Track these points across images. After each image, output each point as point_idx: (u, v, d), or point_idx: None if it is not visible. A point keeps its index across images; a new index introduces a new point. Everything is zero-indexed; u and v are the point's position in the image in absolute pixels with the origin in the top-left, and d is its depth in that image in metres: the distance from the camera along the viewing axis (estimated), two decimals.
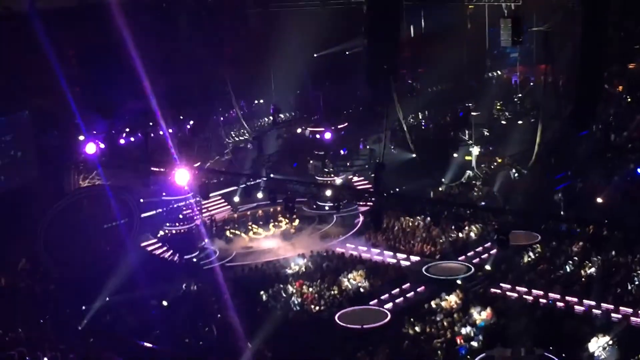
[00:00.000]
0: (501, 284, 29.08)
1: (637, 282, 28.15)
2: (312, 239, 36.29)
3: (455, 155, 40.99)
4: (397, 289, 29.68)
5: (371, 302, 28.79)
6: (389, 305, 28.54)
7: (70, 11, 32.55)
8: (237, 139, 44.34)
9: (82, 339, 26.17)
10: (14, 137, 32.14)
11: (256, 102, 46.62)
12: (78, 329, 27.01)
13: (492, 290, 28.82)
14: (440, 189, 39.12)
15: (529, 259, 31.27)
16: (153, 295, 28.93)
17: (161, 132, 37.82)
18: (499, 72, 46.92)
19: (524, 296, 28.23)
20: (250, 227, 37.54)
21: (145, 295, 28.78)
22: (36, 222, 31.80)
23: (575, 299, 27.33)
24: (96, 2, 32.54)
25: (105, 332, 26.68)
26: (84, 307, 28.14)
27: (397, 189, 37.27)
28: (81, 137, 35.17)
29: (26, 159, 32.62)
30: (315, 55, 43.03)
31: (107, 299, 28.78)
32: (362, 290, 29.89)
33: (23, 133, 32.53)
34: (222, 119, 44.94)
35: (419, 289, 29.85)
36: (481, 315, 26.30)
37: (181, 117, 41.57)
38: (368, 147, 44.09)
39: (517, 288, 28.65)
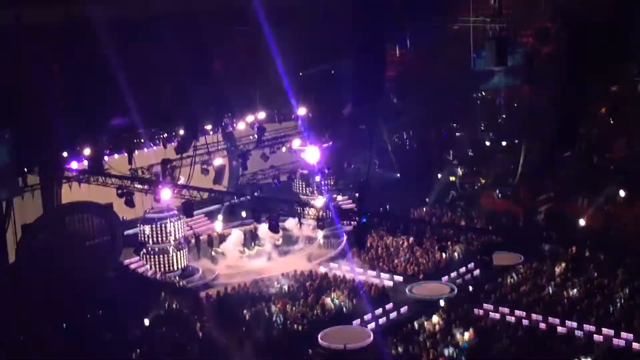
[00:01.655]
0: (484, 305, 29.10)
1: (618, 304, 28.26)
2: (296, 258, 36.21)
3: (439, 175, 41.07)
4: (380, 309, 29.61)
5: (354, 322, 28.71)
6: (372, 325, 28.47)
7: (55, 27, 32.46)
8: (222, 156, 44.20)
9: (62, 357, 25.94)
10: None
11: (240, 119, 46.55)
12: (58, 346, 26.75)
13: (475, 310, 28.82)
14: (424, 209, 39.21)
15: (512, 280, 31.33)
16: (134, 314, 28.74)
17: (145, 150, 37.73)
18: (483, 93, 47.10)
19: (507, 317, 28.25)
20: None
21: (127, 313, 28.58)
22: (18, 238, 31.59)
23: (557, 320, 27.39)
24: (82, 18, 32.48)
25: (86, 350, 26.43)
26: (64, 325, 27.91)
27: (382, 209, 37.28)
28: (64, 154, 35.05)
29: (8, 175, 32.38)
30: (300, 73, 43.10)
31: (88, 316, 28.57)
32: (345, 310, 29.82)
33: (5, 149, 32.32)
34: (206, 136, 44.86)
35: (402, 309, 29.81)
36: (464, 336, 26.28)
37: (165, 135, 41.46)
38: (352, 166, 44.09)
39: (500, 309, 28.68)
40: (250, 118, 42.33)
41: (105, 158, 37.40)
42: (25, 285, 31.30)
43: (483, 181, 40.75)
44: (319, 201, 38.63)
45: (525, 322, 27.79)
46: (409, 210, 38.57)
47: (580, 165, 37.07)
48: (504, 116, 45.84)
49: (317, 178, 40.05)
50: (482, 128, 44.91)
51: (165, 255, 35.54)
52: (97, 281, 30.10)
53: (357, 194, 40.65)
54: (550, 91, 38.51)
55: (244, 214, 37.13)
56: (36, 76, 31.34)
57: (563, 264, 31.49)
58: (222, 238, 38.12)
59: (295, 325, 28.54)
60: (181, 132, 41.36)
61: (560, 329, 27.08)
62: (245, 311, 29.47)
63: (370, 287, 31.88)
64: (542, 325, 27.46)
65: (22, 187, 33.06)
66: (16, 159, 32.29)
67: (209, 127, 43.17)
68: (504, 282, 31.19)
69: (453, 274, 32.67)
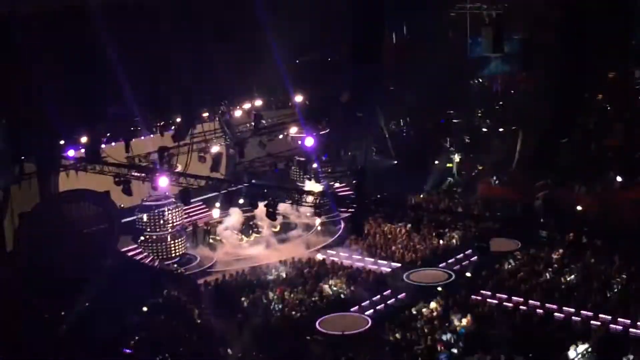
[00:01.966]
0: (481, 291, 29.17)
1: (615, 290, 28.36)
2: (294, 246, 36.25)
3: (436, 162, 41.10)
4: (378, 296, 29.68)
5: (352, 309, 28.78)
6: (370, 311, 28.55)
7: (51, 15, 32.33)
8: (218, 144, 44.13)
9: (61, 345, 25.97)
10: None
11: (237, 107, 46.47)
12: (56, 335, 26.78)
13: (473, 297, 28.89)
14: (421, 195, 39.22)
15: (509, 266, 31.42)
16: (132, 301, 28.76)
17: (142, 137, 37.65)
18: (480, 80, 47.06)
19: (504, 303, 28.34)
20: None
21: (125, 301, 28.60)
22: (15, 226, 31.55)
23: (554, 306, 27.49)
24: (78, 6, 32.36)
25: (84, 338, 26.46)
26: (62, 313, 27.93)
27: (379, 196, 37.30)
28: (61, 142, 34.97)
29: (4, 163, 32.31)
30: (297, 61, 43.01)
31: (86, 304, 28.59)
32: (343, 296, 29.89)
33: (0, 136, 32.22)
34: (203, 124, 44.78)
35: (399, 296, 29.89)
36: (461, 322, 26.35)
37: (162, 123, 41.38)
38: (349, 153, 44.08)
39: (498, 295, 28.77)
40: (247, 105, 42.25)
41: (102, 146, 37.40)
42: (23, 272, 31.33)
43: (480, 168, 40.76)
44: (317, 188, 38.62)
45: (522, 308, 27.88)
46: (407, 197, 38.57)
47: (577, 152, 37.10)
48: (501, 103, 45.87)
49: (314, 165, 40.03)
50: (479, 115, 44.95)
51: (163, 243, 35.57)
52: (94, 269, 30.07)
53: (354, 181, 40.71)
54: (547, 78, 38.55)
55: (241, 201, 37.09)
56: (32, 63, 31.26)
57: (560, 250, 31.55)
58: (219, 224, 38.13)
59: (294, 312, 28.61)
60: (178, 120, 41.43)
61: (557, 314, 27.18)
62: (243, 298, 29.54)
63: (368, 273, 31.95)
64: (540, 311, 27.55)
65: (19, 175, 33.01)
66: (12, 146, 32.23)
67: (205, 114, 43.15)
68: (501, 269, 31.27)
69: (451, 261, 32.75)
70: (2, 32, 30.47)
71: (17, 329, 26.77)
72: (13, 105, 31.79)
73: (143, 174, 31.75)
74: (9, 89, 31.33)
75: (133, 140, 36.56)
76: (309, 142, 39.18)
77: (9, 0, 30.16)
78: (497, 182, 38.70)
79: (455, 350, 24.88)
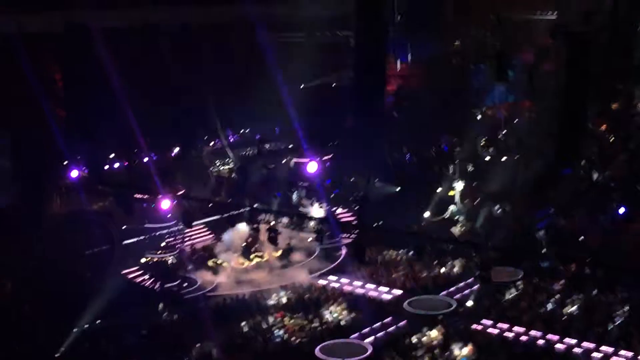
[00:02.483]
0: (483, 321, 29.02)
1: (618, 322, 28.20)
2: (295, 271, 36.14)
3: (438, 190, 41.06)
4: (379, 323, 29.53)
5: (352, 336, 28.62)
6: (370, 339, 28.36)
7: (56, 36, 32.59)
8: (221, 168, 44.24)
9: None
10: None
11: (241, 131, 46.65)
12: (55, 357, 26.69)
13: (474, 326, 28.74)
14: (423, 223, 39.14)
15: (511, 296, 31.27)
16: (132, 323, 28.66)
17: (145, 159, 37.75)
18: (484, 108, 47.17)
19: (505, 333, 28.17)
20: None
21: (125, 323, 28.51)
22: (17, 246, 31.50)
23: (556, 337, 27.31)
24: (82, 28, 32.63)
25: (83, 358, 26.39)
26: (62, 334, 27.82)
27: (381, 222, 37.24)
28: (65, 162, 35.07)
29: (6, 183, 32.39)
30: (302, 86, 43.24)
31: (86, 326, 28.50)
32: (343, 323, 29.75)
33: (4, 156, 32.35)
34: (206, 147, 44.97)
35: (400, 324, 29.72)
36: (462, 352, 26.20)
37: (165, 145, 41.55)
38: (352, 179, 44.09)
39: (499, 325, 28.61)
40: (250, 130, 42.44)
41: (105, 167, 37.52)
42: (23, 293, 31.27)
43: (483, 196, 40.69)
44: (319, 214, 38.60)
45: (523, 338, 27.70)
46: (408, 224, 38.48)
47: (580, 182, 37.06)
48: (504, 131, 45.94)
49: (317, 190, 40.03)
50: (482, 143, 44.96)
51: (164, 266, 35.49)
52: (96, 290, 30.00)
53: (356, 207, 40.68)
54: (550, 108, 38.62)
55: (243, 225, 37.03)
56: (36, 85, 31.44)
57: (562, 281, 31.43)
58: (220, 248, 38.05)
59: (293, 338, 28.46)
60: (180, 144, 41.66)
61: (559, 345, 27.00)
62: (243, 323, 29.40)
63: (369, 300, 31.82)
64: (541, 342, 27.38)
65: (22, 195, 33.06)
66: (15, 166, 32.34)
67: (207, 138, 43.40)
68: (502, 298, 31.12)
69: (452, 289, 32.59)
70: (7, 52, 30.71)
71: (14, 351, 26.71)
72: (17, 124, 31.94)
73: (146, 196, 31.80)
74: (13, 109, 31.50)
75: (136, 161, 36.71)
76: (312, 167, 39.23)
77: (15, 20, 30.43)
78: (499, 211, 38.58)
79: None
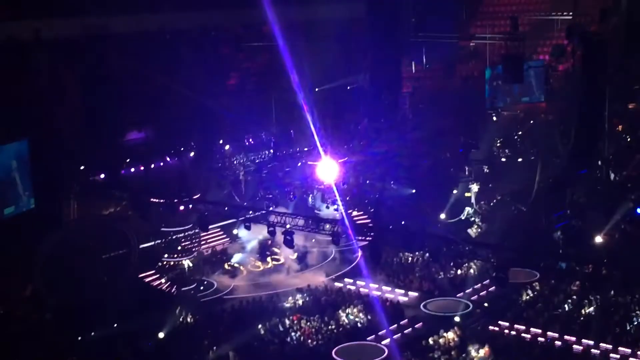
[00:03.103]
0: (499, 322, 28.96)
1: (635, 322, 28.07)
2: (311, 273, 36.19)
3: (454, 191, 40.97)
4: (395, 325, 29.52)
5: (369, 338, 28.64)
6: (387, 341, 28.39)
7: (73, 41, 32.75)
8: (237, 171, 44.29)
9: None
10: (16, 165, 32.07)
11: (257, 134, 46.69)
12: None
13: (491, 327, 28.69)
14: (439, 225, 39.09)
15: (528, 297, 31.19)
16: (149, 327, 28.79)
17: (162, 163, 37.86)
18: (499, 110, 47.02)
19: (522, 334, 28.12)
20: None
21: (141, 327, 28.63)
22: (34, 250, 31.68)
23: (573, 338, 27.24)
24: (100, 33, 32.79)
25: None
26: (79, 338, 27.99)
27: (397, 225, 37.19)
28: (82, 167, 35.24)
29: (25, 187, 32.57)
30: (317, 89, 43.22)
31: (103, 329, 28.64)
32: (359, 325, 29.75)
33: (23, 161, 32.53)
34: (222, 151, 45.02)
35: (416, 325, 29.72)
36: (479, 353, 26.18)
37: (182, 149, 41.63)
38: (368, 181, 44.06)
39: (516, 326, 28.55)
40: (266, 133, 42.46)
41: (122, 171, 37.65)
42: (41, 298, 31.46)
43: (499, 197, 40.58)
44: (334, 216, 38.59)
45: (541, 339, 27.64)
46: (424, 226, 38.40)
47: (597, 183, 36.84)
48: (520, 133, 45.77)
49: (333, 193, 40.01)
50: (498, 144, 44.82)
51: (181, 269, 35.63)
52: (112, 294, 30.15)
53: (372, 210, 40.63)
54: (566, 109, 38.43)
55: (258, 227, 37.07)
56: (54, 90, 31.64)
57: (579, 282, 31.29)
58: (237, 251, 38.14)
59: (310, 341, 28.50)
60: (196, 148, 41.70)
61: (576, 347, 26.91)
62: (259, 325, 29.47)
63: (385, 302, 31.82)
64: (558, 343, 27.30)
65: (39, 199, 33.23)
66: (33, 171, 32.52)
67: (223, 142, 43.42)
68: (519, 299, 31.03)
69: (468, 290, 32.55)
70: (25, 57, 30.90)
71: (33, 355, 26.89)
72: (34, 130, 32.13)
73: (162, 200, 31.91)
74: (30, 114, 31.69)
75: (153, 165, 36.84)
76: (328, 170, 39.25)
77: (31, 26, 30.65)
78: (516, 212, 38.47)
79: None
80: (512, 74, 32.13)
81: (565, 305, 29.93)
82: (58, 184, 34.54)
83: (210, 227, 34.21)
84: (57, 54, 32.37)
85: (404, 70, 45.25)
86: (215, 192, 40.41)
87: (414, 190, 42.09)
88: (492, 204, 40.44)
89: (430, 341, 27.62)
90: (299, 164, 44.02)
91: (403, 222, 38.49)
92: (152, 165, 37.42)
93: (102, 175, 35.07)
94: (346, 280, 34.92)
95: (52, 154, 33.87)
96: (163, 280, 35.22)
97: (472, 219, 39.54)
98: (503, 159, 43.64)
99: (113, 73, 33.05)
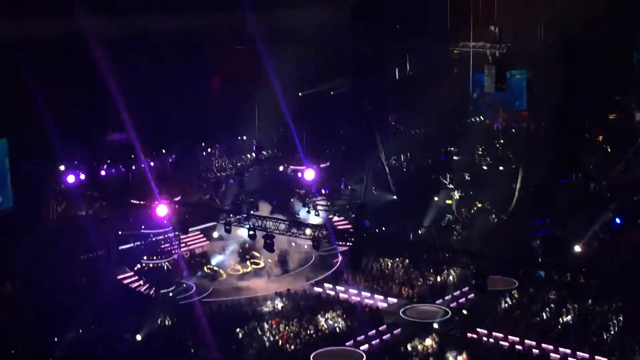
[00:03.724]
0: (478, 329, 28.99)
1: (612, 332, 28.18)
2: (291, 278, 36.13)
3: (436, 198, 41.09)
4: (374, 330, 29.50)
5: (347, 343, 28.59)
6: (365, 346, 28.35)
7: (55, 42, 32.61)
8: (218, 174, 44.26)
9: None
10: None
11: (239, 138, 46.68)
12: None
13: (469, 334, 28.72)
14: (419, 232, 39.16)
15: (506, 305, 31.25)
16: (127, 329, 28.61)
17: (142, 165, 37.73)
18: (482, 118, 47.31)
19: (500, 342, 28.15)
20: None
21: (119, 329, 28.46)
22: (12, 250, 31.46)
23: (551, 347, 27.29)
24: (82, 33, 32.66)
25: None
26: (56, 339, 27.78)
27: (378, 230, 37.26)
28: (62, 167, 35.07)
29: (3, 187, 32.39)
30: (300, 94, 43.28)
31: (80, 331, 28.46)
32: (338, 330, 29.72)
33: (1, 160, 32.37)
34: (204, 153, 44.99)
35: (395, 331, 29.71)
36: None
37: (163, 151, 41.54)
38: (349, 187, 44.15)
39: (494, 333, 28.58)
40: (248, 137, 42.45)
41: (102, 172, 37.50)
42: (18, 298, 31.22)
43: (479, 205, 40.74)
44: (316, 221, 38.60)
45: (518, 347, 27.68)
46: (405, 233, 38.51)
47: (577, 192, 37.08)
48: (502, 141, 46.05)
49: (314, 198, 40.08)
50: (480, 152, 45.07)
51: (160, 270, 35.47)
52: (91, 295, 29.95)
53: (353, 215, 40.68)
54: (548, 118, 38.69)
55: (239, 231, 37.01)
56: (35, 89, 31.47)
57: (557, 291, 31.40)
58: (216, 254, 38.01)
59: (288, 345, 28.43)
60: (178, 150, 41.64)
61: (553, 355, 26.98)
62: (238, 329, 29.35)
63: (365, 308, 31.80)
64: (536, 351, 27.36)
65: (16, 200, 33.04)
66: (13, 170, 32.34)
67: (205, 145, 43.38)
68: (498, 307, 31.10)
69: (447, 297, 32.59)
70: (6, 57, 30.73)
71: (10, 355, 26.67)
72: (15, 129, 31.95)
73: (142, 202, 31.79)
74: (11, 114, 31.50)
75: (133, 167, 36.69)
76: (310, 175, 39.27)
77: (13, 26, 30.48)
78: (496, 220, 38.63)
79: None
80: (495, 82, 32.22)
81: (544, 314, 30.01)
82: (37, 184, 34.37)
83: (190, 229, 34.16)
84: (39, 54, 32.21)
85: (387, 76, 45.46)
86: (196, 194, 40.42)
87: (395, 197, 42.24)
88: (472, 211, 40.58)
89: (409, 347, 27.59)
90: (281, 168, 44.08)
91: (384, 228, 38.59)
92: (133, 167, 37.28)
93: (82, 176, 34.85)
94: (326, 285, 34.85)
95: (32, 154, 33.73)
96: (142, 282, 35.00)
97: (453, 226, 39.64)
98: (484, 167, 43.91)
99: (95, 74, 32.91)
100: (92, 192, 34.20)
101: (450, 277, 34.45)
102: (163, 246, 37.11)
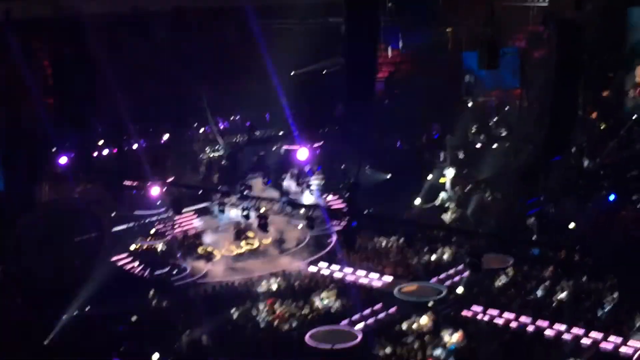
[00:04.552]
0: (473, 307, 29.05)
1: (607, 308, 28.28)
2: (285, 258, 36.10)
3: (429, 177, 41.06)
4: (369, 310, 29.52)
5: (342, 322, 28.62)
6: (360, 325, 28.38)
7: (45, 21, 32.31)
8: (211, 154, 44.11)
9: (47, 355, 25.78)
10: None
11: (231, 118, 46.50)
12: (44, 344, 26.58)
13: (464, 312, 28.77)
14: (413, 210, 39.16)
15: (501, 283, 31.30)
16: (121, 311, 28.58)
17: (135, 146, 37.56)
18: (475, 95, 47.14)
19: (495, 319, 28.22)
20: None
21: (114, 310, 28.42)
22: (5, 233, 31.36)
23: (545, 324, 27.37)
24: (73, 13, 32.34)
25: (71, 347, 26.26)
26: (50, 321, 27.73)
27: (371, 210, 37.21)
28: (53, 149, 34.84)
29: None
30: (292, 73, 43.04)
31: (75, 313, 28.41)
32: (333, 310, 29.74)
33: None
34: (197, 134, 44.81)
35: (390, 310, 29.73)
36: (452, 338, 26.22)
37: (155, 132, 41.34)
38: (343, 166, 44.04)
39: (489, 311, 28.64)
40: (241, 117, 42.27)
41: (94, 154, 37.29)
42: (11, 280, 31.15)
43: (474, 184, 40.70)
44: (309, 201, 38.57)
45: (513, 324, 27.77)
46: (399, 211, 38.49)
47: (571, 170, 37.10)
48: (495, 119, 45.95)
49: (308, 178, 39.97)
50: (473, 130, 44.97)
51: (154, 252, 35.41)
52: (84, 277, 29.89)
53: (347, 194, 40.60)
54: (541, 95, 38.57)
55: (233, 211, 36.92)
56: (25, 71, 31.21)
57: (552, 268, 31.46)
58: (211, 235, 37.93)
59: (284, 325, 28.44)
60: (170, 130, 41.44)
61: (548, 332, 27.07)
62: (233, 310, 29.36)
63: (359, 287, 31.81)
64: (531, 328, 27.44)
65: (10, 182, 32.85)
66: (3, 151, 32.13)
67: (197, 125, 43.19)
68: (493, 285, 31.15)
69: (442, 276, 32.61)
70: None
71: (2, 338, 26.60)
72: (5, 112, 31.73)
73: (135, 183, 31.68)
74: (1, 95, 31.27)
75: (125, 148, 36.50)
76: (302, 154, 39.14)
77: (2, 6, 30.17)
78: (490, 198, 38.62)
79: None
80: (488, 60, 32.01)
81: (538, 291, 30.07)
82: (29, 165, 34.16)
83: (184, 210, 34.05)
84: (29, 34, 31.92)
85: (380, 55, 45.21)
86: (190, 175, 40.31)
87: (389, 176, 42.18)
88: (466, 189, 40.55)
89: (404, 326, 27.64)
90: (274, 148, 43.94)
91: (378, 207, 38.52)
92: (126, 148, 37.08)
93: (74, 158, 34.63)
94: (320, 264, 34.83)
95: (24, 136, 33.49)
96: (136, 264, 34.94)
97: (447, 204, 39.63)
98: (478, 145, 43.84)
99: (85, 54, 32.62)
100: (84, 174, 33.99)
101: (445, 256, 34.48)
102: (157, 227, 37.01)
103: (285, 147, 42.84)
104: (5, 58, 31.06)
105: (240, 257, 36.53)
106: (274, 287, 32.06)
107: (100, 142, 36.95)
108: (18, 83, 31.65)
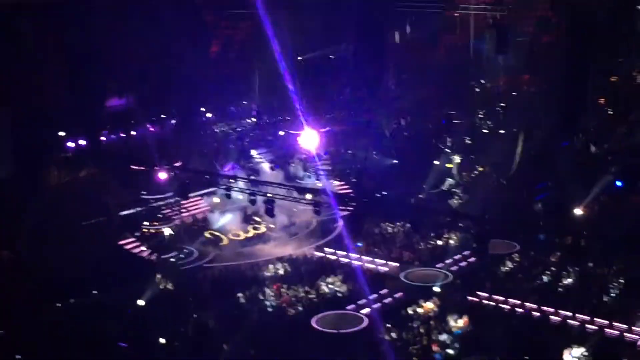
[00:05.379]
0: (478, 292, 29.10)
1: (613, 294, 28.29)
2: (292, 243, 36.18)
3: (436, 162, 41.04)
4: (375, 295, 29.61)
5: (348, 307, 28.73)
6: (366, 310, 28.47)
7: (55, 6, 32.34)
8: (218, 140, 44.19)
9: (55, 338, 25.92)
10: None
11: (239, 103, 46.54)
12: (51, 328, 26.74)
13: (470, 298, 28.83)
14: (420, 195, 39.16)
15: (507, 268, 31.33)
16: (129, 294, 28.72)
17: (143, 131, 37.65)
18: (482, 81, 46.98)
19: (501, 305, 28.27)
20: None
21: (121, 295, 28.57)
22: (14, 217, 31.45)
23: (551, 309, 27.40)
24: None
25: (79, 331, 26.41)
26: (58, 305, 27.91)
27: (378, 195, 37.24)
28: (62, 133, 34.96)
29: (3, 154, 32.27)
30: (299, 58, 43.01)
31: (83, 298, 28.56)
32: (339, 294, 29.84)
33: (2, 127, 32.19)
34: (204, 119, 44.86)
35: (396, 295, 29.82)
36: (458, 323, 26.29)
37: (164, 116, 41.40)
38: (350, 151, 44.07)
39: (494, 297, 28.69)
40: (248, 102, 42.27)
41: (103, 138, 37.38)
42: (20, 265, 31.27)
43: (480, 169, 40.66)
44: (316, 186, 38.63)
45: (519, 310, 27.81)
46: (406, 197, 38.52)
47: (578, 156, 37.01)
48: (502, 105, 45.79)
49: (315, 163, 40.02)
50: (481, 116, 44.87)
51: (161, 236, 35.54)
52: (92, 261, 30.02)
53: (354, 180, 40.69)
54: (550, 81, 38.46)
55: (240, 196, 37.02)
56: (34, 56, 31.27)
57: (558, 254, 31.47)
58: (218, 219, 38.04)
59: (290, 309, 28.56)
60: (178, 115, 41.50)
61: (553, 318, 27.11)
62: (239, 294, 29.47)
63: (366, 272, 31.88)
64: (536, 314, 27.49)
65: (16, 167, 32.95)
66: (13, 138, 32.23)
67: (205, 110, 43.22)
68: (499, 270, 31.19)
69: (448, 261, 32.66)
70: (5, 23, 30.48)
71: (10, 322, 26.77)
72: (14, 96, 31.80)
73: (143, 167, 31.77)
74: (10, 80, 31.33)
75: (134, 133, 36.57)
76: (310, 139, 39.17)
77: None
78: (497, 183, 38.58)
79: (451, 351, 24.86)
80: (497, 45, 32.07)
81: (544, 277, 30.09)
82: (38, 150, 34.27)
83: (191, 195, 34.11)
84: (39, 19, 31.96)
85: (388, 40, 45.13)
86: (197, 160, 40.34)
87: (395, 161, 42.17)
88: (473, 175, 40.53)
89: (410, 311, 27.73)
90: (281, 133, 43.95)
91: (385, 193, 38.58)
92: (133, 133, 37.15)
93: (83, 142, 34.77)
94: (327, 249, 34.91)
95: (33, 120, 33.57)
96: (143, 248, 35.08)
97: (454, 190, 39.62)
98: (485, 131, 43.73)
99: (95, 39, 32.68)
100: (93, 158, 34.10)
101: (451, 241, 34.52)
102: (164, 212, 37.12)
103: (292, 132, 42.85)
104: (15, 42, 31.11)
105: (247, 242, 36.63)
106: (281, 271, 32.17)
107: (108, 127, 37.00)
108: (28, 68, 31.72)
